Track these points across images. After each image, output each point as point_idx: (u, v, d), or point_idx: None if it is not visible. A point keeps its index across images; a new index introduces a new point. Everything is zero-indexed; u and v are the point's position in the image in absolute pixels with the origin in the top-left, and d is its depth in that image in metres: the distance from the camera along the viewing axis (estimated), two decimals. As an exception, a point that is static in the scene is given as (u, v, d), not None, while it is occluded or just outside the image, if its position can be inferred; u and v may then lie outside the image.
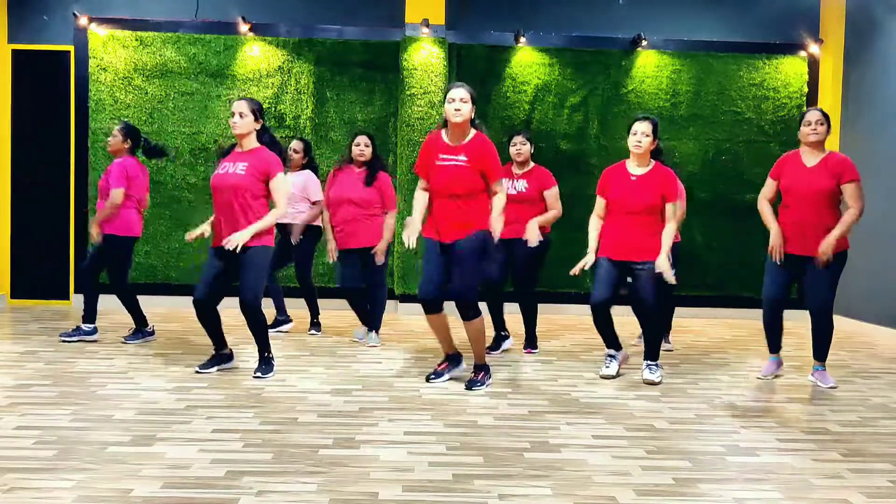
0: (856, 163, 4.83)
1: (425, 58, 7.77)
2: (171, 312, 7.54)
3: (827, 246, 4.76)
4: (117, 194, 5.65)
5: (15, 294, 8.00)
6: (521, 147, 5.71)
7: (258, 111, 4.76)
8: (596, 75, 8.14)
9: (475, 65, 8.07)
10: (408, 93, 7.80)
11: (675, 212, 4.90)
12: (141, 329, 5.97)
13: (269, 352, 4.93)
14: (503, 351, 5.86)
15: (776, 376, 5.23)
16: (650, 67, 8.14)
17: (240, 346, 5.73)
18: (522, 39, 8.02)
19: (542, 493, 3.03)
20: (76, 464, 3.21)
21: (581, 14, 8.20)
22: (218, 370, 4.96)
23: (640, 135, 4.85)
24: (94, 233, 5.73)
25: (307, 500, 2.91)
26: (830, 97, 8.10)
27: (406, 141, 7.82)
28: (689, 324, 7.64)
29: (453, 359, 4.87)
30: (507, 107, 8.10)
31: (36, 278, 7.99)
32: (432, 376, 4.82)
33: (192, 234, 4.83)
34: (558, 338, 6.56)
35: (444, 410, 4.18)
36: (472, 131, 4.61)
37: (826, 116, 4.94)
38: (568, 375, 5.12)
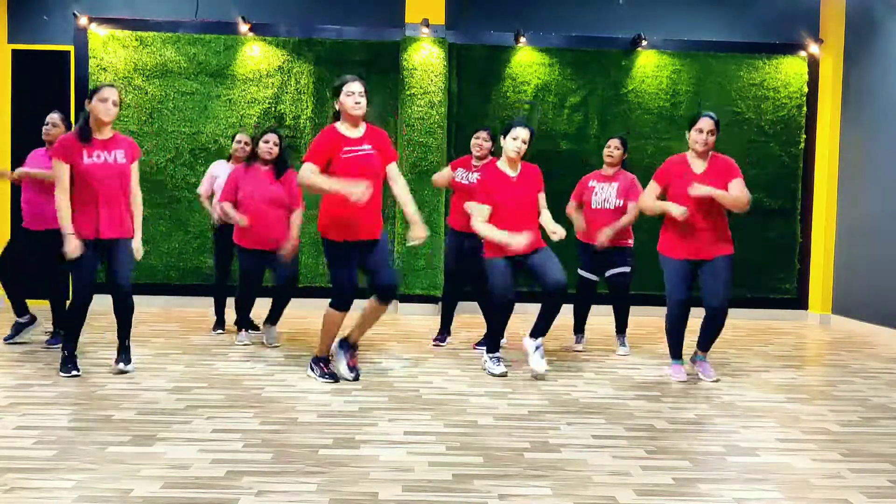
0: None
1: (425, 58, 7.76)
2: (171, 312, 7.54)
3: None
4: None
5: (15, 294, 7.98)
6: (483, 142, 5.81)
7: None
8: (596, 75, 8.14)
9: (475, 65, 8.08)
10: (408, 93, 7.80)
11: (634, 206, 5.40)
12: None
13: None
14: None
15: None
16: (650, 67, 8.14)
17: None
18: (522, 39, 8.02)
19: (542, 493, 3.03)
20: (76, 464, 3.22)
21: (581, 14, 8.21)
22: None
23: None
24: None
25: (307, 500, 2.91)
26: (830, 97, 8.10)
27: (406, 141, 7.81)
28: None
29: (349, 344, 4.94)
30: (507, 107, 8.10)
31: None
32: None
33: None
34: (558, 338, 6.55)
35: (444, 410, 4.19)
36: (363, 123, 4.73)
37: (718, 124, 5.00)
38: (568, 375, 5.12)
